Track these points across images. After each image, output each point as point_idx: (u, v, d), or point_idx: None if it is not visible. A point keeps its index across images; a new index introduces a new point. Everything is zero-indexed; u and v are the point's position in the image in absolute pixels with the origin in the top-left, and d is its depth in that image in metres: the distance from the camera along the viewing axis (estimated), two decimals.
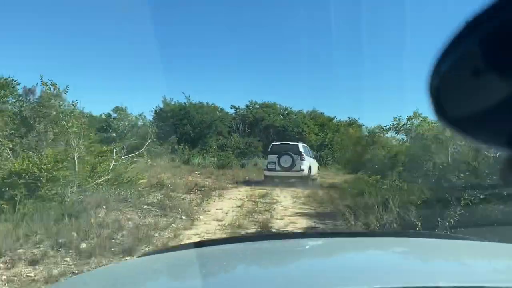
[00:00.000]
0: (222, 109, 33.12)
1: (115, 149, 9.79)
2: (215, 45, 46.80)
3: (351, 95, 44.75)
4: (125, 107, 26.33)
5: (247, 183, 15.93)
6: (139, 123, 26.04)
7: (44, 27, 41.34)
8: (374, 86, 42.26)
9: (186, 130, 26.74)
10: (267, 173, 15.83)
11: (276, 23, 47.11)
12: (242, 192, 13.16)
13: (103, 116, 27.25)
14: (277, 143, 17.55)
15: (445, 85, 0.67)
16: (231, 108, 34.20)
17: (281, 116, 33.58)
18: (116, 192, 8.38)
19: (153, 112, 28.97)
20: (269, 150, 16.58)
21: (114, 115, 26.56)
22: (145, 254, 2.54)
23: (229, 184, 15.29)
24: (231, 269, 1.53)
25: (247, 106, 34.29)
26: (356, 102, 47.07)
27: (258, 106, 34.24)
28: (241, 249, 1.83)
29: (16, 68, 38.88)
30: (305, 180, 15.35)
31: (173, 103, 29.11)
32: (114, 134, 21.81)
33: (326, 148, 29.97)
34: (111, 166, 9.07)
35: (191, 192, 11.77)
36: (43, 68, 42.11)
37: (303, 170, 15.53)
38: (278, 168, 15.49)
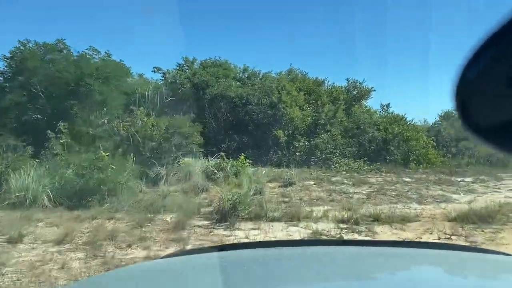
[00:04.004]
0: (141, 75, 20.43)
1: None
2: None
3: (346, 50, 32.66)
4: None
5: None
6: None
7: None
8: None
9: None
10: None
11: None
12: None
13: None
14: None
15: (473, 92, 0.66)
16: (154, 71, 21.52)
17: (239, 82, 21.02)
18: None
19: None
20: None
21: None
22: (167, 256, 2.24)
23: None
24: (251, 275, 1.50)
25: (179, 66, 21.48)
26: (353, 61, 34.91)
27: (198, 67, 21.51)
28: (261, 254, 1.81)
29: None
30: None
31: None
32: None
33: (323, 131, 17.55)
34: None
35: None
36: None
37: None
38: None
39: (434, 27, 28.39)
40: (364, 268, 1.59)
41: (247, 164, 13.25)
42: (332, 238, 6.19)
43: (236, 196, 7.43)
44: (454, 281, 1.45)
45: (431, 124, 23.21)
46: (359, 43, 32.80)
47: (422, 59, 37.63)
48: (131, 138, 12.24)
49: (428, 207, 8.58)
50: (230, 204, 7.26)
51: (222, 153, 13.10)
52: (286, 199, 9.35)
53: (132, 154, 11.82)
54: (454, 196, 9.78)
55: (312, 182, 11.80)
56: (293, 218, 7.48)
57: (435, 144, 19.00)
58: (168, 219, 7.54)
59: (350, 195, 9.82)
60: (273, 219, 7.38)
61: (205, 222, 7.33)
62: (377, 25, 33.47)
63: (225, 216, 7.28)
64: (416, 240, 6.13)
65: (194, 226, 7.08)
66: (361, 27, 31.63)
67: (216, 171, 11.85)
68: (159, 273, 1.58)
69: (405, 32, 33.45)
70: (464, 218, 7.06)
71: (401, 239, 6.12)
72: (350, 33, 34.64)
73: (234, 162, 12.75)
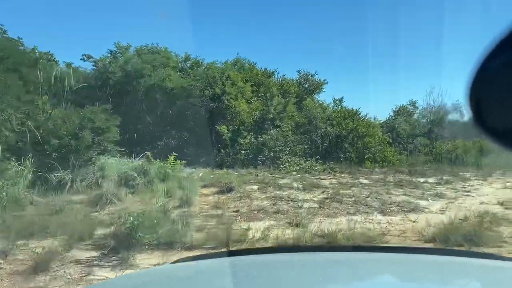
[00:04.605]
0: (69, 64, 17.56)
1: None
2: None
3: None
4: None
5: None
6: None
7: None
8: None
9: None
10: None
11: None
12: None
13: None
14: None
15: (488, 94, 0.65)
16: (84, 59, 18.77)
17: (179, 72, 18.73)
18: None
19: None
20: None
21: None
22: (177, 261, 2.15)
23: None
24: (262, 280, 1.49)
25: (111, 53, 18.83)
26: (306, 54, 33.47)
27: (133, 53, 18.96)
28: (271, 260, 1.79)
29: None
30: None
31: None
32: None
33: (272, 127, 15.64)
34: None
35: None
36: None
37: None
38: None
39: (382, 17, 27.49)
40: (375, 274, 1.59)
41: (179, 165, 11.08)
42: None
43: (137, 215, 5.21)
44: None
45: (383, 120, 22.06)
46: (310, 35, 31.46)
47: (373, 53, 36.97)
48: (28, 135, 9.63)
49: (394, 220, 6.85)
50: (128, 227, 5.06)
51: (148, 153, 10.80)
52: (220, 212, 7.29)
53: (30, 154, 9.27)
54: (422, 203, 8.17)
55: (256, 187, 9.82)
56: (220, 242, 5.43)
57: (390, 141, 17.74)
58: (40, 248, 5.21)
59: (300, 204, 7.93)
60: (192, 246, 5.28)
61: (92, 254, 5.07)
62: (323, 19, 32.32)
63: (122, 243, 5.09)
64: None
65: (71, 261, 4.82)
66: (313, 19, 30.28)
67: (136, 175, 9.55)
68: (170, 278, 1.57)
69: (354, 25, 32.44)
70: (445, 238, 5.34)
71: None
72: (299, 25, 33.16)
73: (162, 163, 10.53)
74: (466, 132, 22.81)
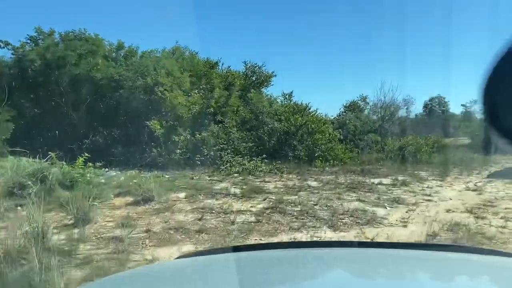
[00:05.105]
0: None
1: None
2: None
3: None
4: None
5: None
6: None
7: None
8: None
9: None
10: None
11: None
12: None
13: None
14: None
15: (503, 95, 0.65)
16: (0, 46, 16.26)
17: (110, 60, 16.61)
18: None
19: None
20: None
21: None
22: (182, 256, 2.21)
23: None
24: (267, 276, 1.45)
25: (31, 38, 16.35)
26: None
27: (57, 40, 16.58)
28: (277, 256, 1.75)
29: None
30: None
31: None
32: None
33: (213, 121, 13.97)
34: None
35: None
36: None
37: None
38: None
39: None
40: (380, 270, 1.56)
41: (95, 169, 9.14)
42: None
43: None
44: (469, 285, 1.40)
45: (335, 116, 21.00)
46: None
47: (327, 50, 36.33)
48: None
49: (348, 237, 5.44)
50: None
51: (53, 154, 8.73)
52: (124, 233, 5.51)
53: None
54: (379, 211, 6.85)
55: (183, 195, 8.11)
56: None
57: (341, 138, 16.65)
58: None
59: (233, 217, 6.33)
60: None
61: None
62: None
63: None
64: None
65: None
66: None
67: (30, 182, 7.52)
68: (175, 272, 1.57)
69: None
70: None
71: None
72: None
73: (70, 167, 8.55)
74: (418, 127, 22.42)
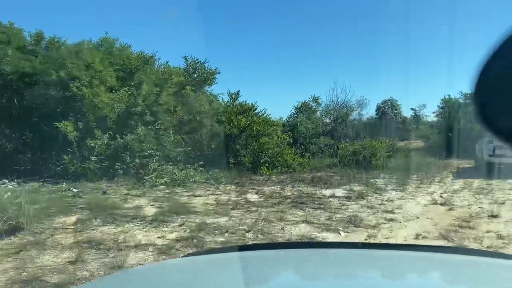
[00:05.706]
0: None
1: None
2: None
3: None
4: None
5: None
6: None
7: None
8: None
9: None
10: None
11: None
12: None
13: None
14: None
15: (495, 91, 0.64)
16: None
17: (27, 53, 14.05)
18: None
19: None
20: None
21: None
22: (187, 255, 2.25)
23: None
24: (272, 275, 1.46)
25: None
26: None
27: None
28: (281, 255, 1.75)
29: None
30: None
31: None
32: None
33: (140, 122, 11.82)
34: None
35: None
36: None
37: None
38: None
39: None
40: (383, 271, 1.56)
41: None
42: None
43: None
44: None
45: (285, 119, 19.38)
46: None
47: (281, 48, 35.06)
48: None
49: None
50: None
51: None
52: None
53: None
54: (330, 238, 5.17)
55: (73, 219, 6.02)
56: None
57: (291, 141, 15.08)
58: None
59: (123, 259, 4.38)
60: None
61: None
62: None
63: None
64: None
65: None
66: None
67: None
68: (179, 271, 1.55)
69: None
70: None
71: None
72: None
73: None
74: (372, 130, 21.41)
